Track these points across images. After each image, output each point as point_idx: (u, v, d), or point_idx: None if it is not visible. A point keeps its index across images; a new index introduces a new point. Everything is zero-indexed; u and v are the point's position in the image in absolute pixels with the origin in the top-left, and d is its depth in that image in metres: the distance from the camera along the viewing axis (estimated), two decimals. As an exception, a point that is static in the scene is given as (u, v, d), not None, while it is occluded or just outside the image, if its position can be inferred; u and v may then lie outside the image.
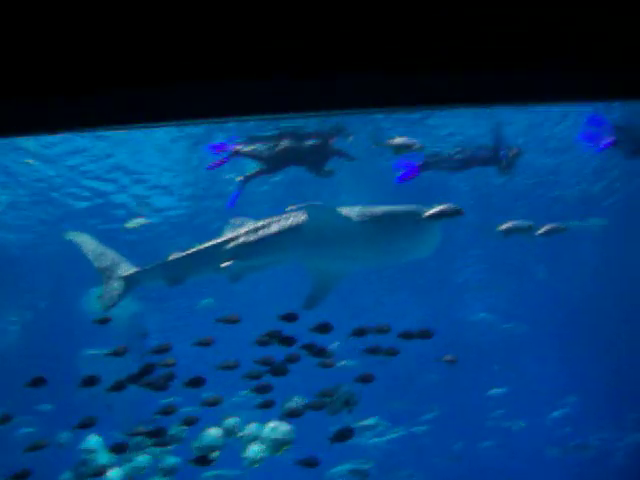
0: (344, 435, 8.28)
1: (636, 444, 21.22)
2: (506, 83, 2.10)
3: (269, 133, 11.09)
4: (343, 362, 15.57)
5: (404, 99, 2.17)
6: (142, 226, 15.05)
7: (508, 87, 2.12)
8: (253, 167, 11.20)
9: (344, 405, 8.49)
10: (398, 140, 10.40)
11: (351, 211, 9.49)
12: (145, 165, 15.22)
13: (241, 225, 10.24)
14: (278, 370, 8.00)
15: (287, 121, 10.95)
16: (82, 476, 10.67)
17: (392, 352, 8.11)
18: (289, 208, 9.55)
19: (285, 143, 10.80)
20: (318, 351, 8.08)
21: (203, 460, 8.68)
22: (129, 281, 10.31)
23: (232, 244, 9.93)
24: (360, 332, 8.01)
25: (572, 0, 1.94)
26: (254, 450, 9.42)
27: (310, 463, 8.54)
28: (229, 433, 9.40)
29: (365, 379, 8.36)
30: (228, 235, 10.14)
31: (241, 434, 9.49)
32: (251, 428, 9.49)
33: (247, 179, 11.25)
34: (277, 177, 14.92)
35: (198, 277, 10.54)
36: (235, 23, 2.01)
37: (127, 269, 10.37)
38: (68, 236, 10.84)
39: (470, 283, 21.63)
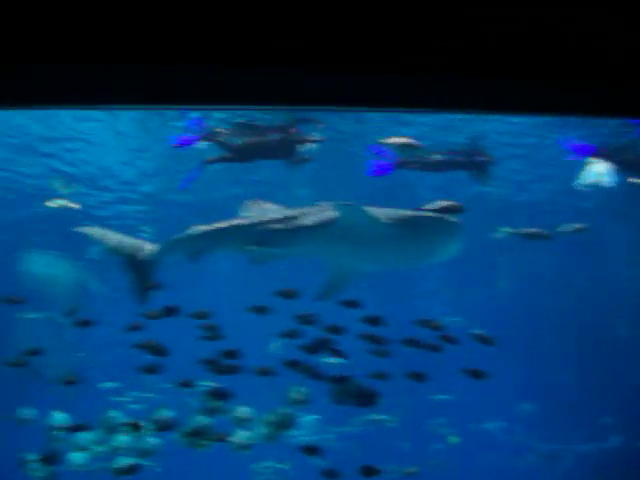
0: (370, 400, 8.44)
1: (584, 456, 21.64)
2: (505, 90, 2.10)
3: (236, 123, 11.38)
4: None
5: (405, 99, 2.16)
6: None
7: (507, 94, 2.11)
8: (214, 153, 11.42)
9: (352, 397, 8.50)
10: (401, 140, 10.49)
11: (380, 213, 9.54)
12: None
13: (262, 208, 10.22)
14: (324, 346, 8.20)
15: (254, 113, 11.05)
16: (52, 455, 10.50)
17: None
18: (320, 204, 9.69)
19: (251, 137, 11.04)
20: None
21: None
22: (154, 259, 10.15)
23: (260, 228, 9.85)
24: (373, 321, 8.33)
25: (572, 0, 1.94)
26: (244, 435, 9.35)
27: (311, 449, 8.54)
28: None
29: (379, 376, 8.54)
30: (256, 217, 10.06)
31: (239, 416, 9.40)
32: (243, 411, 9.40)
33: (209, 162, 11.47)
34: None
35: (220, 252, 10.63)
36: (240, 17, 2.03)
37: (147, 250, 10.19)
38: (84, 231, 10.80)
39: (434, 287, 21.80)
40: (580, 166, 14.15)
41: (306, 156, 11.20)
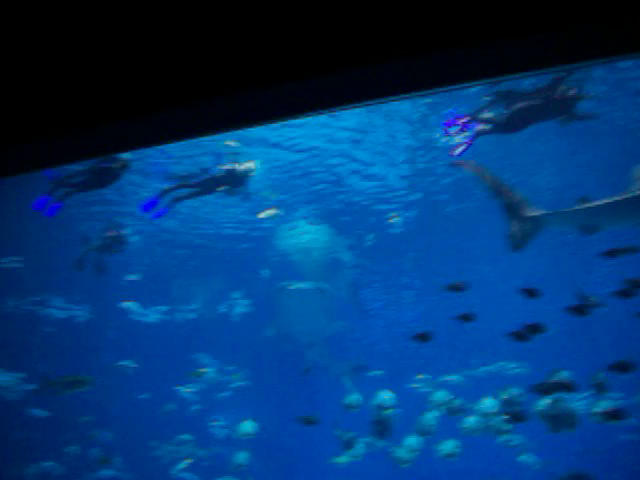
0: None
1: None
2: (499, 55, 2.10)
3: (487, 99, 10.89)
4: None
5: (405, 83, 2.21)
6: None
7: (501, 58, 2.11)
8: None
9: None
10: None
11: None
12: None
13: None
14: None
15: (501, 84, 10.51)
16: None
17: None
18: None
19: (519, 104, 10.55)
20: None
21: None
22: (538, 222, 10.03)
23: None
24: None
25: None
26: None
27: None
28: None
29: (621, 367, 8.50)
30: None
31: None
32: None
33: (479, 134, 11.20)
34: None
35: (616, 227, 10.29)
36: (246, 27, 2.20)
37: (534, 209, 10.07)
38: (467, 170, 10.90)
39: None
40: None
41: (581, 112, 10.70)
